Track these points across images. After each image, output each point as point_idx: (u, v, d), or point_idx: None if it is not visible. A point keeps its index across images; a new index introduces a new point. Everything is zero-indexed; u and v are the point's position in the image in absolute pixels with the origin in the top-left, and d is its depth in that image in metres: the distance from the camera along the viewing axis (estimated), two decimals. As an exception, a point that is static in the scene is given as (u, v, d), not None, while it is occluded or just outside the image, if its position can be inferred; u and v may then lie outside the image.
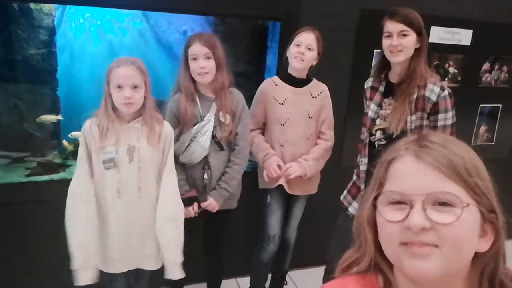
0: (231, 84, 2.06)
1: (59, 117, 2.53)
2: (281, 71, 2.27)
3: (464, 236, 0.63)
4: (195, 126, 1.99)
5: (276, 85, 2.21)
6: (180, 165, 2.01)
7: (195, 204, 2.01)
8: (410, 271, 0.64)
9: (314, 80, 2.25)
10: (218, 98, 2.01)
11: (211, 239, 2.29)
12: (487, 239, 0.66)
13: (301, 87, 2.20)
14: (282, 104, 2.18)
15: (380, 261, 0.72)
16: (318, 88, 2.24)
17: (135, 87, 1.67)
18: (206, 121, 2.00)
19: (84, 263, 1.72)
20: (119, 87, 1.66)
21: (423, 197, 0.63)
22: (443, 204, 0.63)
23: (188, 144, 1.98)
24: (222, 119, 2.01)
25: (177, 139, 1.98)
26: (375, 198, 0.70)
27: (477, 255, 0.66)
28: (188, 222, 1.92)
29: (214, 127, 2.01)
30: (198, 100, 2.01)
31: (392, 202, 0.67)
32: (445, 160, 0.64)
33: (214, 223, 2.22)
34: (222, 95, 2.01)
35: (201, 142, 1.98)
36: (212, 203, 2.05)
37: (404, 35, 1.83)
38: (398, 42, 1.84)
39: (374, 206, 0.70)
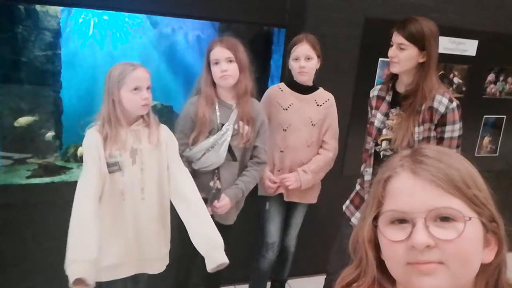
0: (253, 92, 2.02)
1: (35, 117, 2.51)
2: (287, 77, 2.26)
3: (468, 251, 0.62)
4: (215, 136, 1.94)
5: (281, 90, 2.20)
6: (190, 171, 1.96)
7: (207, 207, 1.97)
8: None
9: (321, 89, 2.24)
10: (239, 104, 1.97)
11: None
12: (491, 249, 0.66)
13: (306, 94, 2.20)
14: (286, 109, 2.18)
15: (381, 278, 0.72)
16: (324, 97, 2.23)
17: (148, 88, 1.71)
18: (224, 131, 1.95)
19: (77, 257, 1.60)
20: (136, 89, 1.67)
21: (424, 214, 0.63)
22: (445, 219, 0.62)
23: (204, 153, 1.95)
24: (240, 130, 1.97)
25: (192, 144, 1.95)
26: (375, 218, 0.69)
27: (482, 266, 0.66)
28: (185, 239, 1.89)
29: (232, 136, 1.97)
30: (217, 106, 1.97)
31: (393, 221, 0.66)
32: (442, 175, 0.64)
33: None
34: (244, 101, 1.96)
35: (218, 151, 1.95)
36: (226, 201, 1.97)
37: (402, 48, 1.81)
38: (394, 54, 1.83)
39: (375, 226, 0.70)
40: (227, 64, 1.90)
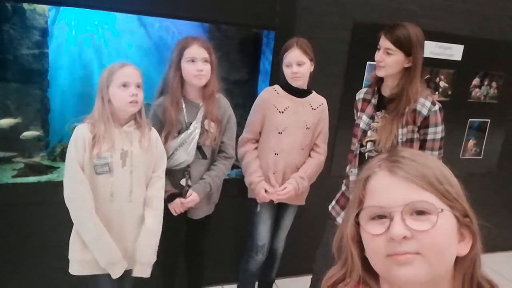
0: (219, 90, 2.08)
1: (18, 120, 2.47)
2: (280, 80, 2.27)
3: (442, 241, 0.67)
4: (182, 135, 1.99)
5: (277, 93, 2.21)
6: None
7: (178, 201, 2.02)
8: (398, 278, 0.67)
9: (314, 93, 2.26)
10: (206, 105, 2.01)
11: (192, 247, 2.30)
12: (466, 243, 0.71)
13: (301, 97, 2.21)
14: (282, 112, 2.18)
15: (366, 276, 0.75)
16: (318, 101, 2.25)
17: (138, 86, 1.71)
18: (192, 129, 2.00)
19: (117, 257, 1.74)
20: (124, 85, 1.67)
21: (401, 208, 0.68)
22: (420, 213, 0.67)
23: (173, 152, 1.99)
24: (206, 127, 2.02)
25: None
26: (357, 216, 0.74)
27: (458, 259, 0.71)
28: (169, 230, 1.92)
29: (199, 135, 2.01)
30: (184, 106, 2.00)
31: (373, 217, 0.71)
32: (416, 172, 0.70)
33: (195, 230, 2.24)
34: (211, 102, 2.02)
35: (187, 150, 2.00)
36: (194, 197, 2.03)
37: (389, 53, 1.84)
38: (381, 58, 1.87)
39: (357, 223, 0.74)
40: (203, 64, 1.93)
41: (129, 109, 1.72)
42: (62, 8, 2.61)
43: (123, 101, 1.68)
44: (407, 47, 1.82)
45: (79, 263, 1.76)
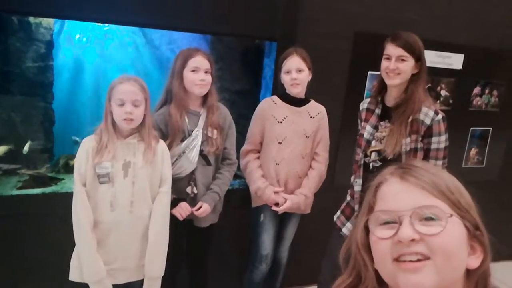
0: (218, 100, 2.16)
1: (10, 146, 2.48)
2: (279, 90, 2.29)
3: (452, 246, 0.66)
4: (185, 142, 2.02)
5: (275, 104, 2.23)
6: None
7: (183, 205, 2.04)
8: (405, 285, 0.66)
9: (312, 101, 2.29)
10: (209, 114, 2.07)
11: (195, 258, 2.29)
12: (477, 257, 0.70)
13: (299, 106, 2.23)
14: (281, 122, 2.20)
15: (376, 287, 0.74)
16: (316, 109, 2.27)
17: (136, 103, 1.72)
18: (194, 136, 2.03)
19: (100, 276, 1.74)
20: (120, 103, 1.70)
21: (410, 212, 0.67)
22: (430, 219, 0.67)
23: (177, 159, 2.02)
24: (210, 134, 2.07)
25: None
26: (367, 221, 0.74)
27: (469, 272, 0.69)
28: (171, 239, 1.93)
29: (202, 142, 2.05)
30: (185, 114, 2.04)
31: (382, 223, 0.71)
32: (427, 179, 0.70)
33: (198, 240, 2.24)
34: (213, 111, 2.07)
35: (189, 157, 2.03)
36: (205, 207, 2.06)
37: (403, 60, 1.86)
38: (396, 66, 1.87)
39: (366, 228, 0.74)
40: (205, 74, 2.00)
41: (124, 126, 1.75)
42: (67, 21, 2.65)
43: (118, 118, 1.73)
44: (417, 52, 1.87)
45: (77, 270, 1.78)
